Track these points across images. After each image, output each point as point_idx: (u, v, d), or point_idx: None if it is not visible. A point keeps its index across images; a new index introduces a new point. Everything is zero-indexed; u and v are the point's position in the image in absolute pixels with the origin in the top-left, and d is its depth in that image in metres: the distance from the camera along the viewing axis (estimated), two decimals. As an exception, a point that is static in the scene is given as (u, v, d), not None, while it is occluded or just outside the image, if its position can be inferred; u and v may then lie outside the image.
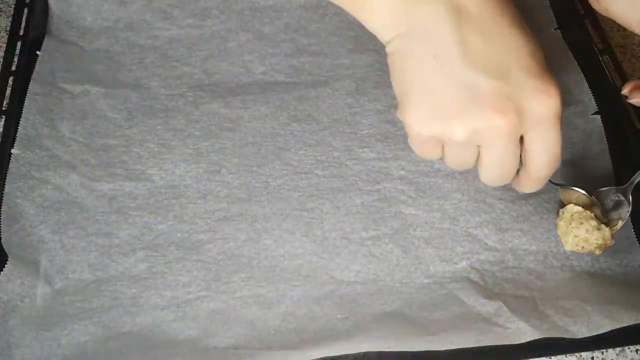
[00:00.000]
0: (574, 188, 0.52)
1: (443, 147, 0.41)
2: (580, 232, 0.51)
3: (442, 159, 0.44)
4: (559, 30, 0.65)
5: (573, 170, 0.57)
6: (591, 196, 0.52)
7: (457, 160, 0.41)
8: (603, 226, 0.51)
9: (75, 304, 0.49)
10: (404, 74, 0.39)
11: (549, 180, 0.45)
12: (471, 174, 0.57)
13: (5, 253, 0.50)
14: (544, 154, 0.39)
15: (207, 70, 0.63)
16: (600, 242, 0.51)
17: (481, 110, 0.36)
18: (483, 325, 0.47)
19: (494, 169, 0.41)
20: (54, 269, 0.50)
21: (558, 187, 0.53)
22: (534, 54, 0.37)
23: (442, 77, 0.37)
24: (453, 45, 0.36)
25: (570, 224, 0.51)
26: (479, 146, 0.40)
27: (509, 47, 0.36)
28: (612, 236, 0.51)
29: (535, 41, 0.37)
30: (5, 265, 0.49)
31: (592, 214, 0.51)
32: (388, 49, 0.40)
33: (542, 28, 0.66)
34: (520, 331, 0.46)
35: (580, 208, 0.51)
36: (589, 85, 0.61)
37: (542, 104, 0.36)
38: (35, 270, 0.50)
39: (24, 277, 0.49)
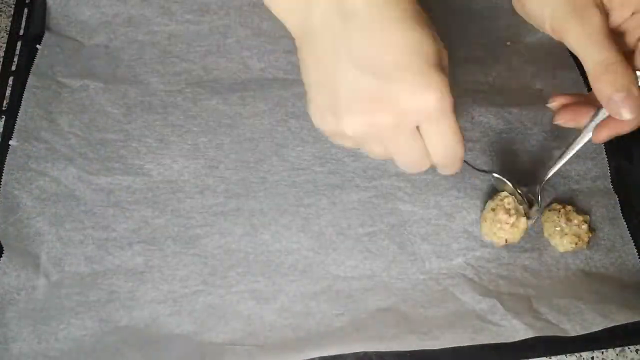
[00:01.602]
0: (495, 175, 0.52)
1: None
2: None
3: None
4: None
5: (570, 169, 0.57)
6: (511, 185, 0.51)
7: (369, 152, 0.42)
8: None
9: (72, 297, 0.49)
10: (305, 70, 0.40)
11: (475, 168, 0.48)
12: (467, 171, 0.57)
13: (1, 245, 0.50)
14: (437, 146, 0.39)
15: (206, 66, 0.63)
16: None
17: (363, 109, 0.37)
18: (477, 323, 0.47)
19: (399, 160, 0.41)
20: (51, 262, 0.50)
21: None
22: (418, 50, 0.36)
23: (332, 75, 0.38)
24: (340, 45, 0.36)
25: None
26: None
27: (392, 45, 0.36)
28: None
29: (424, 37, 0.37)
30: (1, 258, 0.49)
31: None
32: (296, 44, 0.41)
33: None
34: (514, 329, 0.46)
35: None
36: (586, 85, 0.61)
37: (420, 100, 0.36)
38: (31, 263, 0.50)
39: (20, 269, 0.49)
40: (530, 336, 0.46)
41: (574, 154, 0.50)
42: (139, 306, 0.49)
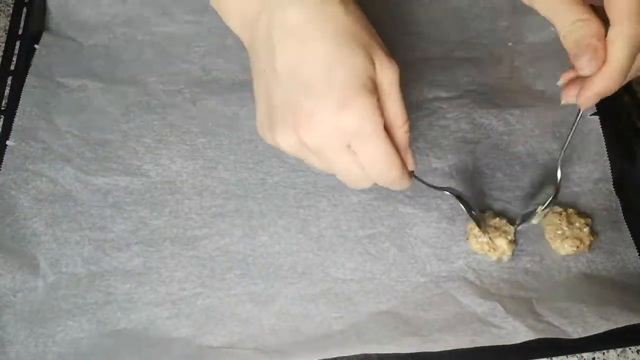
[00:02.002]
0: (447, 193, 0.50)
1: None
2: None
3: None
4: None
5: (571, 171, 0.57)
6: (462, 206, 0.50)
7: (312, 166, 0.41)
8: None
9: (69, 299, 0.48)
10: (254, 80, 0.40)
11: (428, 185, 0.47)
12: (468, 173, 0.57)
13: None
14: (368, 166, 0.39)
15: (205, 66, 0.63)
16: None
17: (292, 125, 0.37)
18: (478, 326, 0.47)
19: (340, 176, 0.41)
20: (47, 263, 0.50)
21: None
22: (345, 67, 0.36)
23: (269, 89, 0.38)
24: (278, 59, 0.37)
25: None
26: None
27: (320, 59, 0.36)
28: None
29: (356, 54, 0.36)
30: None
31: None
32: (249, 54, 0.41)
33: (542, 27, 0.66)
34: (516, 331, 0.46)
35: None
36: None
37: (341, 119, 0.36)
38: (28, 264, 0.49)
39: (16, 271, 0.49)
40: (531, 338, 0.45)
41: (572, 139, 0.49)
42: (137, 308, 0.48)
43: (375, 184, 0.41)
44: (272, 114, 0.38)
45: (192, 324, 0.48)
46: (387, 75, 0.38)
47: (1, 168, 0.53)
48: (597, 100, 0.41)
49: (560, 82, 0.47)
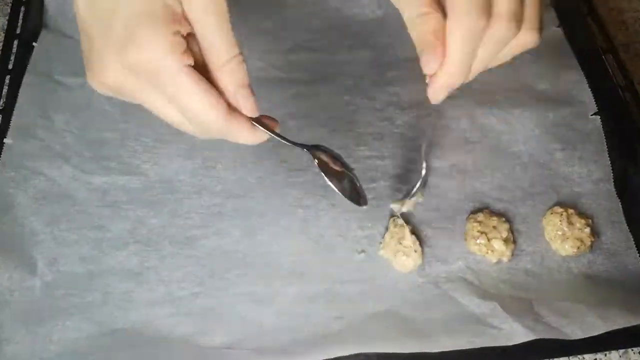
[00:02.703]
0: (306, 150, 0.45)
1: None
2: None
3: None
4: (560, 29, 0.65)
5: (572, 171, 0.57)
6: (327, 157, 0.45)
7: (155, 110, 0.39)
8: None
9: (67, 298, 0.48)
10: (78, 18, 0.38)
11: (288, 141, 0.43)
12: (468, 173, 0.56)
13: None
14: (178, 104, 0.36)
15: None
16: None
17: (89, 68, 0.36)
18: (477, 326, 0.46)
19: (167, 120, 0.38)
20: (45, 262, 0.50)
21: None
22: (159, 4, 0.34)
23: (96, 30, 0.36)
24: None
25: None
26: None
27: None
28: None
29: None
30: None
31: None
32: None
33: (544, 26, 0.66)
34: (514, 332, 0.46)
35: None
36: (591, 85, 0.60)
37: (127, 57, 0.34)
38: (26, 263, 0.49)
39: (13, 270, 0.49)
40: (530, 339, 0.45)
41: None
42: (135, 308, 0.48)
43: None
44: (96, 45, 0.36)
45: (191, 323, 0.47)
46: (201, 3, 0.34)
47: (-1, 166, 0.53)
48: (445, 93, 0.40)
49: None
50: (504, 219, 0.53)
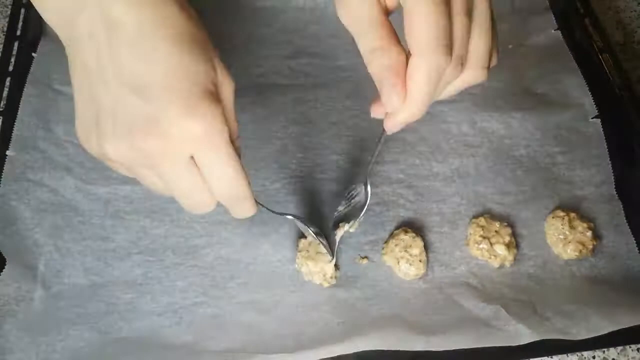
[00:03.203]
0: (289, 218, 0.48)
1: None
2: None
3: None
4: (559, 32, 0.65)
5: (573, 175, 0.57)
6: (306, 227, 0.49)
7: (145, 183, 0.37)
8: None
9: (71, 309, 0.48)
10: (73, 82, 0.36)
11: (271, 211, 0.46)
12: (470, 177, 0.56)
13: (2, 257, 0.49)
14: (214, 180, 0.36)
15: None
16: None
17: (127, 131, 0.33)
18: (481, 328, 0.47)
19: (178, 195, 0.37)
20: (50, 273, 0.50)
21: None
22: (188, 74, 0.33)
23: (96, 91, 0.34)
24: (105, 58, 0.33)
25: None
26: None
27: (161, 65, 0.33)
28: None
29: (198, 61, 0.34)
30: (3, 270, 0.49)
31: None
32: (66, 52, 0.36)
33: (542, 29, 0.66)
34: (519, 333, 0.46)
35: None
36: (589, 87, 0.60)
37: (185, 126, 0.33)
38: (31, 274, 0.49)
39: (20, 281, 0.49)
40: (535, 339, 0.45)
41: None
42: (139, 317, 0.48)
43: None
44: (99, 117, 0.34)
45: (194, 332, 0.48)
46: (227, 87, 0.36)
47: (1, 178, 0.53)
48: (403, 126, 0.39)
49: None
50: (505, 223, 0.53)
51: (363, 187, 0.49)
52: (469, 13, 0.35)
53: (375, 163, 0.57)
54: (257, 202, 0.40)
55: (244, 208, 0.39)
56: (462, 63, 0.36)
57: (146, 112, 0.33)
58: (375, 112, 0.40)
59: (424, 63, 0.34)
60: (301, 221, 0.49)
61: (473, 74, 0.37)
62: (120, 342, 0.47)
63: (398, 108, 0.36)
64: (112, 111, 0.33)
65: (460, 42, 0.35)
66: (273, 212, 0.46)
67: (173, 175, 0.35)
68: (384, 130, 0.40)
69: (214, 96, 0.34)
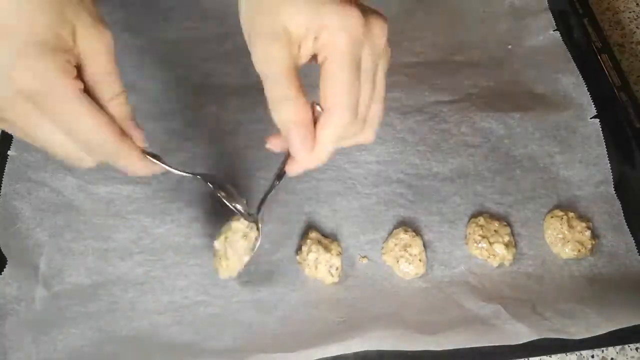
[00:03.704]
0: (199, 177, 0.46)
1: None
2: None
3: None
4: (557, 32, 0.65)
5: (572, 174, 0.57)
6: (214, 189, 0.46)
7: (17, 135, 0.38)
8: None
9: (72, 308, 0.48)
10: None
11: (172, 168, 0.42)
12: (469, 177, 0.57)
13: (4, 256, 0.49)
14: (66, 127, 0.36)
15: (205, 73, 0.63)
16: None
17: None
18: (481, 327, 0.47)
19: (42, 146, 0.38)
20: (51, 273, 0.50)
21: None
22: (22, 20, 0.34)
23: None
24: None
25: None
26: None
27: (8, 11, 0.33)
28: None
29: (33, 11, 0.34)
30: (5, 268, 0.49)
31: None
32: None
33: (541, 29, 0.66)
34: (518, 332, 0.46)
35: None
36: (588, 87, 0.61)
37: (13, 72, 0.33)
38: (32, 274, 0.49)
39: (21, 280, 0.49)
40: (534, 338, 0.46)
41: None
42: (140, 317, 0.48)
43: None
44: None
45: (195, 330, 0.48)
46: (92, 42, 0.36)
47: (3, 178, 0.53)
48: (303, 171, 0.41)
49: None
50: (505, 222, 0.53)
51: (254, 226, 0.48)
52: (373, 81, 0.39)
53: (376, 163, 0.57)
54: (156, 161, 0.41)
55: (127, 162, 0.39)
56: (363, 123, 0.39)
57: (15, 59, 0.33)
58: (275, 146, 0.42)
59: (336, 119, 0.37)
60: (210, 182, 0.46)
61: (367, 134, 0.41)
62: (121, 341, 0.47)
63: (307, 157, 0.38)
64: None
65: (364, 106, 0.39)
66: (177, 170, 0.43)
67: (23, 122, 0.35)
68: (284, 171, 0.42)
69: (51, 47, 0.34)
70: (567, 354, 0.49)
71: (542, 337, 0.46)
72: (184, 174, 0.44)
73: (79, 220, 0.53)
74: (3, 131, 0.56)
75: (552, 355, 0.48)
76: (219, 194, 0.46)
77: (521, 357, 0.47)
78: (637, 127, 0.58)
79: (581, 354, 0.49)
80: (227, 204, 0.46)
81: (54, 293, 0.49)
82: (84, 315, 0.48)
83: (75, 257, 0.51)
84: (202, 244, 0.52)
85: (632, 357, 0.49)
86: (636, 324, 0.46)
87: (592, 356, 0.49)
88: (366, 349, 0.45)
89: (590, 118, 0.59)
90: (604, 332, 0.46)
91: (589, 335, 0.46)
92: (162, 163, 0.42)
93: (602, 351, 0.49)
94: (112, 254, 0.51)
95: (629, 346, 0.49)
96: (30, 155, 0.55)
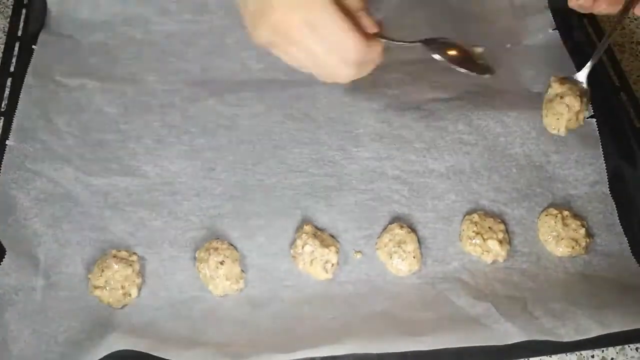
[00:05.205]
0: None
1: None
2: None
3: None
4: (557, 31, 0.65)
5: (568, 174, 0.57)
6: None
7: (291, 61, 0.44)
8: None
9: (70, 300, 0.49)
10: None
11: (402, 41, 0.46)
12: (465, 174, 0.57)
13: (2, 246, 0.50)
14: (326, 34, 0.41)
15: (204, 66, 0.63)
16: None
17: (263, 20, 0.41)
18: (471, 326, 0.47)
19: (310, 64, 0.44)
20: (49, 263, 0.50)
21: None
22: None
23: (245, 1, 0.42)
24: None
25: None
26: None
27: None
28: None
29: None
30: (3, 259, 0.49)
31: None
32: None
33: (541, 28, 0.66)
34: (507, 333, 0.46)
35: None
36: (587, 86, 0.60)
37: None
38: (30, 264, 0.50)
39: (20, 270, 0.49)
40: (523, 339, 0.46)
41: None
42: (136, 311, 0.49)
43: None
44: (251, 18, 0.42)
45: (191, 325, 0.48)
46: None
47: (1, 168, 0.53)
48: None
49: None
50: (499, 220, 0.54)
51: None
52: None
53: (372, 159, 0.57)
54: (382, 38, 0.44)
55: (372, 52, 0.43)
56: None
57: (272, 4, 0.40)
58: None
59: None
60: (433, 48, 0.47)
61: None
62: (118, 335, 0.47)
63: None
64: (255, 11, 0.42)
65: None
66: (401, 41, 0.46)
67: (299, 40, 0.41)
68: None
69: None
70: (567, 354, 0.49)
71: (531, 338, 0.46)
72: (409, 44, 0.46)
73: (76, 211, 0.53)
74: (3, 131, 0.56)
75: (552, 356, 0.48)
76: (443, 58, 0.46)
77: (522, 357, 0.47)
78: (637, 127, 0.58)
79: (581, 354, 0.49)
80: (457, 67, 0.47)
81: (51, 283, 0.49)
82: (82, 308, 0.49)
83: (73, 248, 0.51)
84: (198, 237, 0.52)
85: (632, 357, 0.49)
86: (626, 329, 0.47)
87: (592, 356, 0.49)
88: (355, 352, 0.46)
89: (587, 118, 0.59)
90: (594, 335, 0.46)
91: (578, 338, 0.46)
92: (386, 38, 0.45)
93: (602, 351, 0.49)
94: (109, 245, 0.51)
95: (629, 346, 0.49)
96: (29, 145, 0.55)
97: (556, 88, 0.54)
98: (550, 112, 0.54)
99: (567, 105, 0.52)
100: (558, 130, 0.54)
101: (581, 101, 0.53)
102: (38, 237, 0.51)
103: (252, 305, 0.49)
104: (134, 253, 0.51)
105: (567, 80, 0.54)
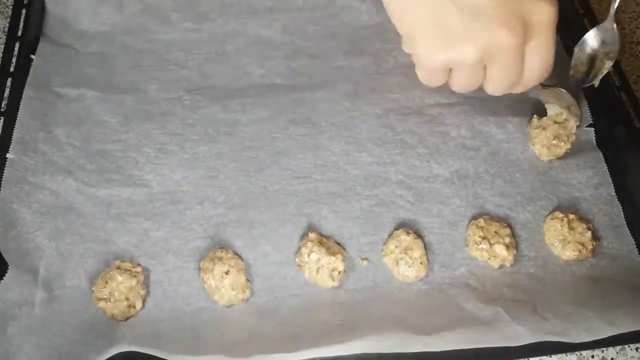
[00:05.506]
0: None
1: (451, 71, 0.46)
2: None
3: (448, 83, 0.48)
4: (557, 34, 0.65)
5: (571, 177, 0.57)
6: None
7: (465, 81, 0.46)
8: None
9: (74, 313, 0.48)
10: (405, 12, 0.43)
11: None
12: (469, 179, 0.57)
13: (4, 261, 0.49)
14: (540, 61, 0.44)
15: (205, 73, 0.63)
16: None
17: (489, 28, 0.41)
18: (481, 329, 0.47)
19: (502, 81, 0.46)
20: (51, 277, 0.50)
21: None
22: (508, 9, 0.41)
23: (441, 16, 0.41)
24: None
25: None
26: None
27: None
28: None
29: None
30: (6, 273, 0.49)
31: None
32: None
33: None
34: (518, 335, 0.46)
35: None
36: (588, 87, 0.60)
37: (542, 12, 0.42)
38: (33, 278, 0.49)
39: (22, 284, 0.49)
40: (534, 341, 0.46)
41: None
42: (141, 322, 0.48)
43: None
44: (447, 34, 0.42)
45: (195, 335, 0.48)
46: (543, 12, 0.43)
47: (2, 181, 0.53)
48: None
49: None
50: (505, 224, 0.53)
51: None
52: None
53: (376, 164, 0.57)
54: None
55: (542, 77, 0.47)
56: None
57: (506, 6, 0.41)
58: None
59: None
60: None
61: None
62: (123, 347, 0.47)
63: None
64: (465, 17, 0.41)
65: None
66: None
67: (507, 64, 0.43)
68: None
69: (526, 25, 0.42)
70: (567, 354, 0.49)
71: (543, 340, 0.46)
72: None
73: (79, 224, 0.52)
74: (3, 132, 0.56)
75: (552, 356, 0.48)
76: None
77: (521, 357, 0.47)
78: (637, 127, 0.58)
79: (581, 354, 0.49)
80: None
81: (54, 297, 0.49)
82: (85, 321, 0.48)
83: (75, 261, 0.51)
84: (202, 247, 0.52)
85: (632, 357, 0.49)
86: (637, 329, 0.46)
87: (592, 356, 0.49)
88: (365, 352, 0.45)
89: (586, 126, 0.59)
90: (605, 336, 0.46)
91: (590, 339, 0.46)
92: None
93: (602, 351, 0.49)
94: (112, 257, 0.51)
95: (629, 346, 0.49)
96: (29, 158, 0.55)
97: (535, 123, 0.58)
98: (537, 141, 0.58)
99: (554, 137, 0.57)
100: (550, 161, 0.57)
101: (566, 126, 0.57)
102: (40, 250, 0.51)
103: (259, 314, 0.49)
104: (138, 264, 0.51)
105: (551, 91, 0.58)
